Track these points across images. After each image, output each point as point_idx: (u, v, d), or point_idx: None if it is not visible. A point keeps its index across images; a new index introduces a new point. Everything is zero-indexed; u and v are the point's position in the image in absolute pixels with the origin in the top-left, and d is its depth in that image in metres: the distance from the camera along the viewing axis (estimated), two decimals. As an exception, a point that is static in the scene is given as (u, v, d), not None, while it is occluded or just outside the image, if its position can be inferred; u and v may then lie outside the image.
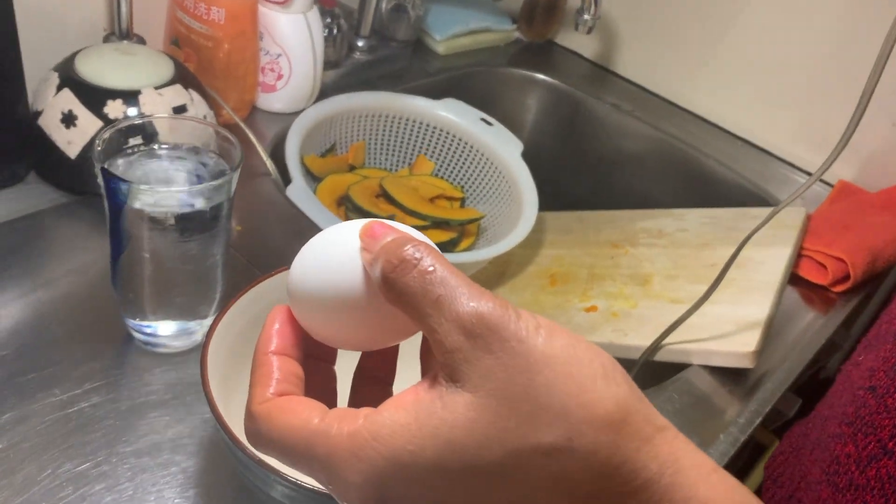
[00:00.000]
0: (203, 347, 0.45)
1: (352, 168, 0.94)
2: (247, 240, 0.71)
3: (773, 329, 0.72)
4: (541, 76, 1.12)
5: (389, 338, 0.32)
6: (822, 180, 0.99)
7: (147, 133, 0.55)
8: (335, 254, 0.31)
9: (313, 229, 0.74)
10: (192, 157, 0.55)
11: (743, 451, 0.71)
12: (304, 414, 0.28)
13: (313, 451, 0.27)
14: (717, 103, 1.08)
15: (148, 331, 0.57)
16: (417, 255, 0.27)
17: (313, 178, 0.89)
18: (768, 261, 0.79)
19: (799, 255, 0.83)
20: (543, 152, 1.15)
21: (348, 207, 0.88)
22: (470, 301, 0.26)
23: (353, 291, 0.30)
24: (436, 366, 0.27)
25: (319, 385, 0.33)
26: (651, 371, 0.76)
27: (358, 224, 0.31)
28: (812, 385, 1.03)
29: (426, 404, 0.26)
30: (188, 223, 0.51)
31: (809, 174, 1.00)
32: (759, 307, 0.72)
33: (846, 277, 0.81)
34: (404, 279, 0.27)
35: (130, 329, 0.58)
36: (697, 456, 0.28)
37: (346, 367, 0.38)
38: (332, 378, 0.36)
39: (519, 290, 0.90)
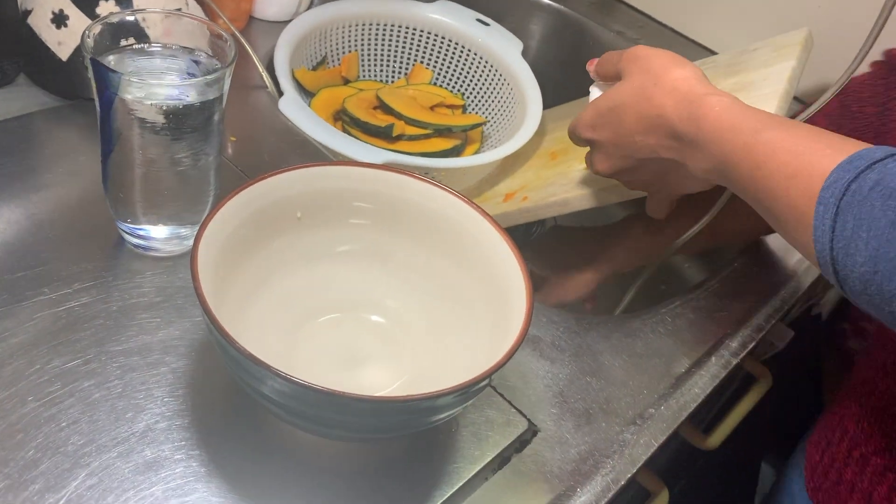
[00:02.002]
0: (193, 246, 0.45)
1: (346, 81, 0.92)
2: (241, 151, 0.70)
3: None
4: (546, 1, 1.10)
5: None
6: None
7: (139, 34, 0.54)
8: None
9: (309, 143, 0.73)
10: (185, 55, 0.53)
11: (733, 378, 0.71)
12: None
13: (577, 117, 0.65)
14: (724, 36, 1.06)
15: (140, 233, 0.57)
16: (595, 61, 0.67)
17: (305, 92, 0.86)
18: (771, 76, 0.71)
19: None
20: (546, 80, 1.12)
21: (344, 121, 0.86)
22: (627, 52, 0.62)
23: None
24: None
25: None
26: (646, 293, 0.76)
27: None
28: (804, 321, 1.04)
29: (610, 90, 0.62)
30: (178, 120, 0.50)
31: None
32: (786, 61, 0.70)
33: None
34: (596, 69, 0.67)
35: (122, 232, 0.57)
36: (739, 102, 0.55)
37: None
38: None
39: (521, 173, 0.87)
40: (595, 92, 0.67)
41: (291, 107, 0.74)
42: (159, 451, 0.47)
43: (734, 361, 0.63)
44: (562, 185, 0.76)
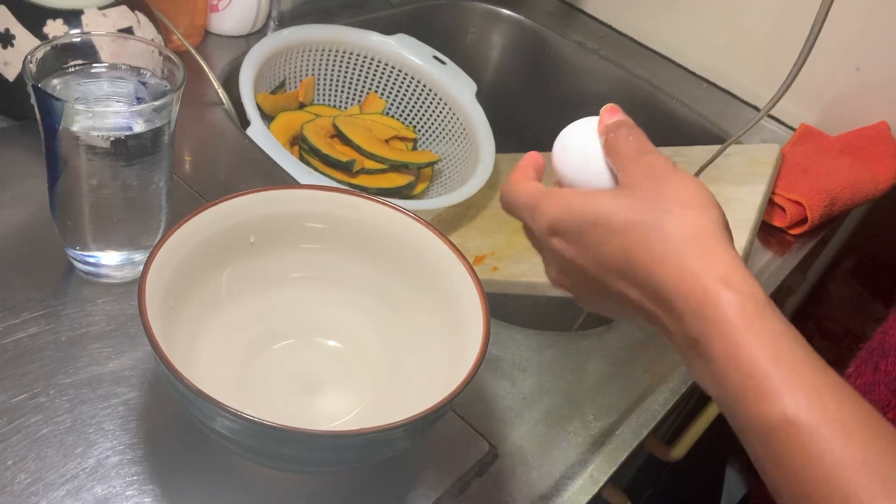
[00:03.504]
0: (141, 276, 0.44)
1: (301, 105, 0.91)
2: (195, 169, 0.69)
3: (748, 265, 0.72)
4: (506, 12, 1.10)
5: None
6: (785, 124, 0.99)
7: (87, 55, 0.53)
8: (585, 136, 0.46)
9: (266, 162, 0.72)
10: (133, 77, 0.52)
11: (695, 388, 0.71)
12: (535, 185, 0.46)
13: (534, 200, 0.45)
14: (683, 44, 1.07)
15: (90, 261, 0.55)
16: (618, 131, 0.44)
17: (264, 115, 0.86)
18: (744, 198, 0.78)
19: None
20: (507, 90, 1.12)
21: (303, 148, 0.85)
22: (645, 154, 0.43)
23: (596, 161, 0.45)
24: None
25: None
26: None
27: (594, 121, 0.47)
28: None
29: (594, 192, 0.43)
30: (126, 147, 0.49)
31: (773, 117, 1.00)
32: (734, 244, 0.71)
33: (803, 220, 0.81)
34: (612, 142, 0.44)
35: (72, 259, 0.56)
36: (747, 275, 0.39)
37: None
38: None
39: (491, 234, 0.88)
40: (571, 142, 0.47)
41: (261, 137, 0.73)
42: (110, 487, 0.45)
43: (694, 376, 0.63)
44: (534, 263, 0.76)
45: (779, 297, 0.85)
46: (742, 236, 0.73)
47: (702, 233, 0.39)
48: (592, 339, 0.65)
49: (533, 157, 0.49)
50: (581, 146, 0.46)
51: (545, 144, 1.02)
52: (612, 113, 0.46)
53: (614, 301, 0.44)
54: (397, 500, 0.49)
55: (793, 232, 0.82)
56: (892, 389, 0.59)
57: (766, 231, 0.82)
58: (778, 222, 0.81)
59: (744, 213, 0.76)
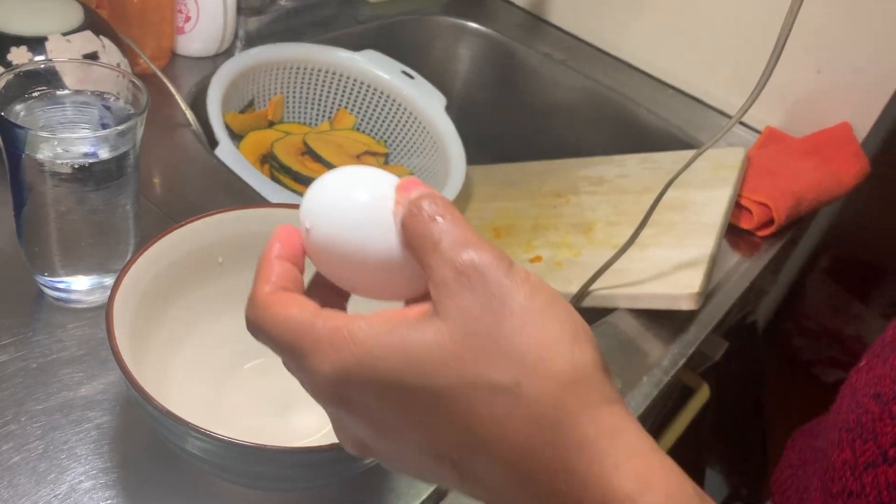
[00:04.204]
0: (108, 300, 0.44)
1: (271, 124, 0.91)
2: (165, 192, 0.69)
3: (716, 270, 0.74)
4: (473, 25, 1.11)
5: (406, 293, 0.33)
6: (751, 127, 1.01)
7: (51, 81, 0.53)
8: (369, 208, 0.32)
9: (236, 182, 0.72)
10: (97, 101, 0.52)
11: (669, 394, 0.72)
12: (297, 307, 0.30)
13: (298, 340, 0.30)
14: (648, 52, 1.08)
15: (60, 286, 0.55)
16: (432, 207, 0.30)
17: (233, 135, 0.86)
18: (710, 202, 0.79)
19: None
20: (477, 103, 1.13)
21: (273, 166, 0.86)
22: (468, 247, 0.29)
23: (386, 248, 0.31)
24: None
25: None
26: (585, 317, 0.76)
27: (387, 178, 0.33)
28: (739, 330, 1.06)
29: (404, 322, 0.29)
30: (91, 173, 0.49)
31: (740, 121, 1.01)
32: (701, 249, 0.72)
33: (770, 222, 0.82)
34: (416, 224, 0.30)
35: (41, 285, 0.56)
36: (641, 434, 0.28)
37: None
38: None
39: None
40: (341, 198, 0.32)
41: (229, 157, 0.73)
42: (83, 512, 0.45)
43: (665, 379, 0.64)
44: None
45: (750, 298, 0.86)
46: (709, 240, 0.74)
47: (577, 401, 0.27)
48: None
49: (286, 237, 0.33)
50: (361, 206, 0.32)
51: (515, 156, 1.03)
52: (413, 186, 0.32)
53: (404, 457, 0.31)
54: (373, 514, 0.49)
55: (760, 234, 0.83)
56: None
57: (733, 234, 0.83)
58: (745, 224, 0.83)
59: (710, 217, 0.77)
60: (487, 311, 0.28)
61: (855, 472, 0.46)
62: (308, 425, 0.51)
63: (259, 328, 0.31)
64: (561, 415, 0.27)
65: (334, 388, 0.29)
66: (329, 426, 0.51)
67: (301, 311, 0.30)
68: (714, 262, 0.72)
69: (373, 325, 0.29)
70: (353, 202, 0.32)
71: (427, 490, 0.51)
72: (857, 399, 0.50)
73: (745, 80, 1.00)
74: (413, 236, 0.30)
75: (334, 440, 0.41)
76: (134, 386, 0.40)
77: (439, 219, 0.30)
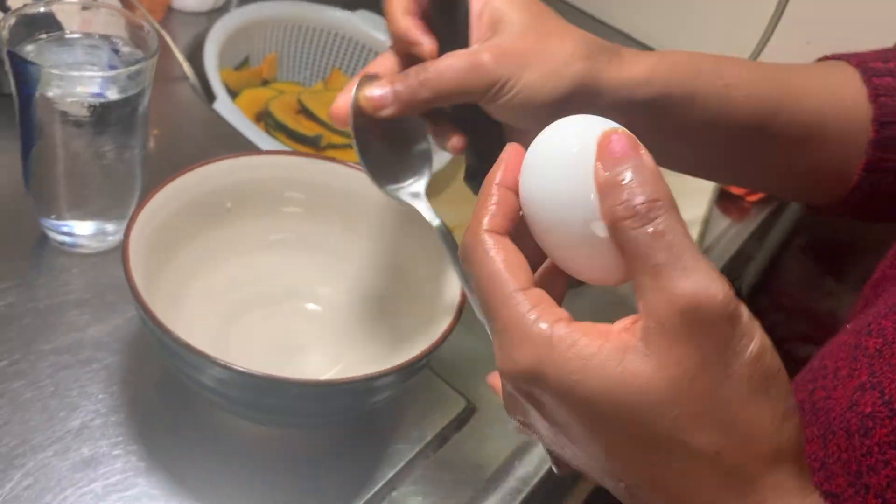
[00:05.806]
0: (125, 237, 0.44)
1: (265, 82, 0.91)
2: (164, 144, 0.69)
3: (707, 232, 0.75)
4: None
5: (613, 277, 0.30)
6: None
7: (55, 25, 0.52)
8: (569, 166, 0.28)
9: (234, 136, 0.72)
10: (105, 45, 0.52)
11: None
12: (504, 263, 0.29)
13: (505, 315, 0.28)
14: (639, 20, 1.09)
15: (65, 230, 0.55)
16: (653, 214, 0.26)
17: (228, 91, 0.86)
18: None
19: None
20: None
21: (269, 124, 0.86)
22: (689, 279, 0.25)
23: (583, 218, 0.28)
24: (640, 314, 0.27)
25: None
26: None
27: (592, 128, 0.28)
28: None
29: (612, 349, 0.27)
30: (102, 114, 0.49)
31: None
32: (694, 210, 0.73)
33: (759, 187, 0.84)
34: (632, 232, 0.26)
35: (46, 229, 0.56)
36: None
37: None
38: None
39: (457, 205, 0.89)
40: (555, 156, 0.29)
41: (228, 111, 0.73)
42: (96, 447, 0.46)
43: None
44: None
45: (738, 262, 0.88)
46: (701, 204, 0.75)
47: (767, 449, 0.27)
48: (563, 303, 0.67)
49: (514, 159, 0.30)
50: (570, 169, 0.28)
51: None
52: (621, 152, 0.27)
53: (599, 470, 0.30)
54: (379, 454, 0.50)
55: (749, 199, 0.85)
56: None
57: (725, 199, 0.85)
58: (736, 190, 0.84)
59: (703, 182, 0.78)
60: (706, 372, 0.26)
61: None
62: (316, 368, 0.52)
63: (468, 262, 0.30)
64: (752, 488, 0.27)
65: (523, 385, 0.29)
66: (336, 368, 0.52)
67: (517, 285, 0.28)
68: (706, 224, 0.74)
69: (581, 341, 0.27)
70: (553, 154, 0.28)
71: (431, 433, 0.52)
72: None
73: (737, 52, 1.02)
74: (627, 244, 0.27)
75: (342, 377, 0.42)
76: (152, 319, 0.41)
77: (662, 230, 0.26)
